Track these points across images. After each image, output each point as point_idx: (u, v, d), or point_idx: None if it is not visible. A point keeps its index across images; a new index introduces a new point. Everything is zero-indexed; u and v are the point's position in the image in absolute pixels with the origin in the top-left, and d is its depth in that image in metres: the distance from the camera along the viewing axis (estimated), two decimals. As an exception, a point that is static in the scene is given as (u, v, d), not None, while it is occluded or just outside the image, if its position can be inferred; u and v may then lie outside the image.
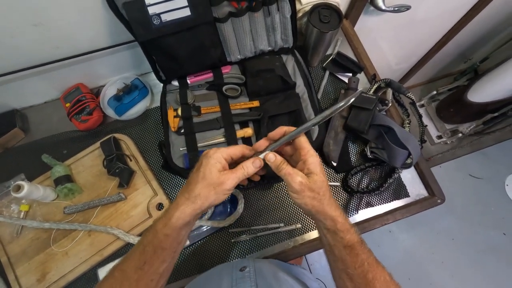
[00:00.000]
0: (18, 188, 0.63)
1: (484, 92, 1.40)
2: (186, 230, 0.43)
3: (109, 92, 0.82)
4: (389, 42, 1.30)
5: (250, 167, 0.43)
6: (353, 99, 0.43)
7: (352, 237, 0.41)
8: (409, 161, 0.68)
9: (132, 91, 0.81)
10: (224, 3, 0.64)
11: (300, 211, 0.72)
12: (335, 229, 0.41)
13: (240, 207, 0.70)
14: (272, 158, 0.44)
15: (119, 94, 0.80)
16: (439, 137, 1.77)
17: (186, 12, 0.61)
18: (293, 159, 0.46)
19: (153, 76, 0.76)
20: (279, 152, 0.46)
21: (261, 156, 0.44)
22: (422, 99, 1.84)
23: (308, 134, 0.69)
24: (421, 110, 1.80)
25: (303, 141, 0.44)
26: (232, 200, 0.71)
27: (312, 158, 0.42)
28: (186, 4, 0.60)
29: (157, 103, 0.82)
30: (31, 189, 0.64)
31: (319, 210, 0.41)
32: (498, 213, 1.69)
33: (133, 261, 0.40)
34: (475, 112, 1.52)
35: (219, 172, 0.41)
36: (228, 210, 0.71)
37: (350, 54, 0.88)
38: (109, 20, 0.64)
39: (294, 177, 0.41)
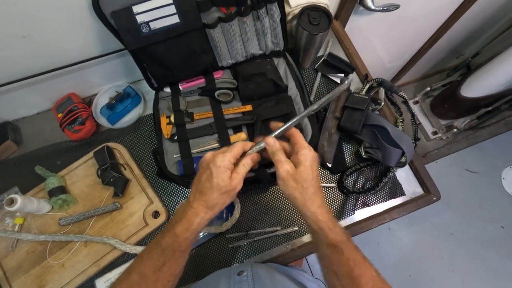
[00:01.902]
0: (11, 202, 0.62)
1: (476, 87, 1.41)
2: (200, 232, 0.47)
3: (101, 101, 0.82)
4: (381, 40, 1.30)
5: (249, 163, 0.47)
6: (342, 89, 0.47)
7: (335, 236, 0.42)
8: (403, 159, 0.69)
9: (124, 99, 0.80)
10: (213, 9, 0.63)
11: (296, 213, 0.72)
12: (317, 227, 0.43)
13: (237, 212, 0.70)
14: (271, 142, 0.46)
15: (111, 103, 0.80)
16: (435, 133, 1.77)
17: (175, 19, 0.61)
18: (292, 159, 0.47)
19: (145, 83, 0.75)
20: None
21: (262, 144, 0.47)
22: (416, 95, 1.85)
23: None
24: (416, 107, 1.82)
25: (297, 136, 0.46)
26: (228, 205, 0.71)
27: (304, 151, 0.44)
28: (175, 11, 0.60)
29: (150, 111, 0.82)
30: (25, 202, 0.63)
31: (301, 203, 0.43)
32: (495, 206, 1.70)
33: (152, 263, 0.42)
34: (469, 107, 1.53)
35: (229, 178, 0.44)
36: (224, 215, 0.70)
37: (341, 54, 0.88)
38: (99, 29, 0.64)
39: (284, 164, 0.44)
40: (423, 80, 1.98)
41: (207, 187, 0.44)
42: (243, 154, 0.48)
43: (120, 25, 0.59)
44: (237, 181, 0.44)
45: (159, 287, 0.42)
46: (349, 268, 0.40)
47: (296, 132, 0.47)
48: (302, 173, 0.43)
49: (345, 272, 0.40)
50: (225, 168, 0.44)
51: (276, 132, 0.47)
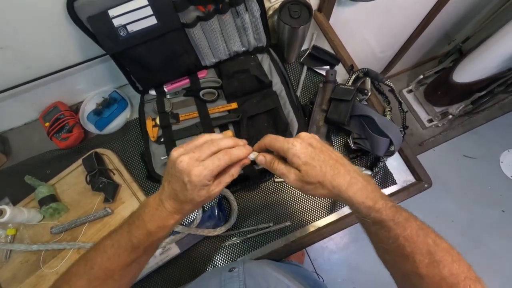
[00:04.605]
0: (1, 213, 0.62)
1: (468, 72, 1.40)
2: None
3: (88, 107, 0.81)
4: (370, 30, 1.29)
5: (237, 172, 0.41)
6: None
7: (377, 214, 0.36)
8: (391, 148, 0.68)
9: (111, 104, 0.80)
10: (191, 8, 0.63)
11: (288, 208, 0.72)
12: (356, 209, 0.38)
13: (233, 218, 0.69)
14: (262, 160, 0.42)
15: (98, 109, 0.79)
16: (430, 120, 1.77)
17: (152, 20, 0.61)
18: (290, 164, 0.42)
19: (131, 87, 0.76)
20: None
21: (252, 156, 0.42)
22: (409, 84, 1.84)
23: (288, 131, 0.68)
24: (410, 95, 1.81)
25: (274, 145, 0.40)
26: (219, 203, 0.71)
27: (289, 152, 0.38)
28: (151, 12, 0.60)
29: (137, 114, 0.81)
30: (14, 213, 0.63)
31: (331, 196, 0.39)
32: (495, 191, 1.69)
33: (120, 261, 0.39)
34: (462, 93, 1.52)
35: (208, 191, 0.38)
36: (216, 213, 0.70)
37: (326, 47, 0.87)
38: (77, 36, 0.64)
39: (288, 176, 0.39)
40: (416, 69, 1.97)
41: (181, 199, 0.38)
42: None
43: (97, 30, 0.59)
44: (218, 191, 0.39)
45: (126, 280, 0.41)
46: (399, 245, 0.36)
47: (270, 142, 0.41)
48: (307, 173, 0.37)
49: (396, 249, 0.36)
50: (203, 186, 0.37)
51: (251, 157, 0.42)
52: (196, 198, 0.37)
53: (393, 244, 0.36)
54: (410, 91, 1.84)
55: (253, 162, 0.65)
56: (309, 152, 0.38)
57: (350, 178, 0.37)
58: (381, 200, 0.37)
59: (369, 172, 0.71)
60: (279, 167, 0.40)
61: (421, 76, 1.73)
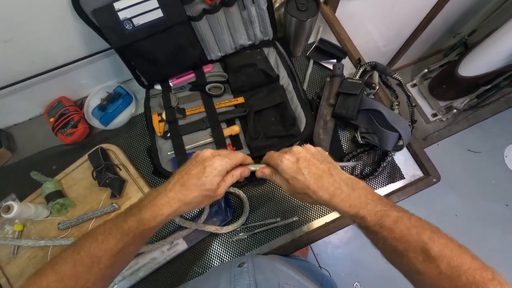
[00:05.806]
0: (8, 209, 0.62)
1: (474, 65, 1.38)
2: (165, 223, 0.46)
3: (92, 102, 0.81)
4: (375, 24, 1.28)
5: (238, 176, 0.47)
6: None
7: (361, 221, 0.39)
8: (400, 143, 0.68)
9: (116, 99, 0.79)
10: (197, 1, 0.62)
11: (295, 204, 0.72)
12: (343, 215, 0.43)
13: (245, 216, 0.69)
14: (260, 174, 0.49)
15: (103, 104, 0.79)
16: (434, 115, 1.75)
17: (158, 13, 0.60)
18: None
19: (136, 82, 0.75)
20: None
21: (252, 167, 0.49)
22: (414, 78, 1.82)
23: (296, 125, 0.68)
24: (414, 90, 1.80)
25: (269, 161, 0.47)
26: (226, 199, 0.71)
27: (279, 169, 0.45)
28: (157, 5, 0.59)
29: (142, 109, 0.81)
30: (22, 208, 0.63)
31: (319, 204, 0.44)
32: (499, 185, 1.69)
33: (108, 247, 0.38)
34: (467, 87, 1.50)
35: (217, 184, 0.44)
36: (223, 208, 0.70)
37: (333, 40, 0.86)
38: (82, 30, 0.63)
39: (282, 186, 0.46)
40: (420, 62, 1.95)
41: (192, 183, 0.42)
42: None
43: (103, 23, 0.58)
44: (222, 190, 0.45)
45: (110, 271, 0.40)
46: (390, 245, 0.37)
47: (268, 159, 0.48)
48: (295, 185, 0.43)
49: (389, 249, 0.38)
50: (220, 173, 0.43)
51: (251, 168, 0.50)
52: (207, 185, 0.42)
53: (384, 245, 0.39)
54: (414, 85, 1.82)
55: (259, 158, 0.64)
56: (294, 168, 0.43)
57: (334, 190, 0.41)
58: (366, 206, 0.40)
59: (349, 164, 0.70)
60: (276, 179, 0.47)
61: (426, 70, 1.71)
